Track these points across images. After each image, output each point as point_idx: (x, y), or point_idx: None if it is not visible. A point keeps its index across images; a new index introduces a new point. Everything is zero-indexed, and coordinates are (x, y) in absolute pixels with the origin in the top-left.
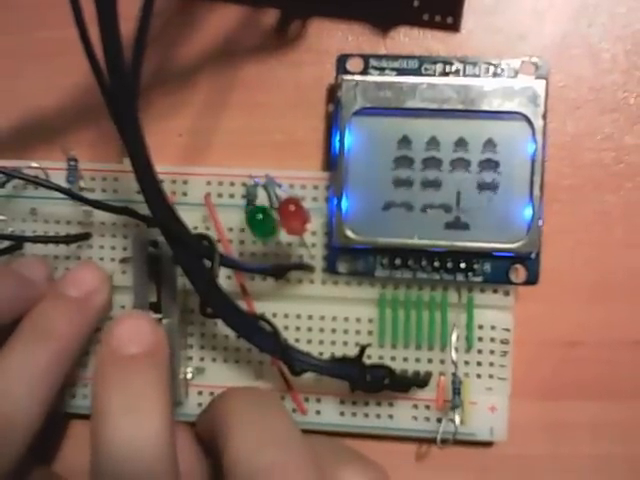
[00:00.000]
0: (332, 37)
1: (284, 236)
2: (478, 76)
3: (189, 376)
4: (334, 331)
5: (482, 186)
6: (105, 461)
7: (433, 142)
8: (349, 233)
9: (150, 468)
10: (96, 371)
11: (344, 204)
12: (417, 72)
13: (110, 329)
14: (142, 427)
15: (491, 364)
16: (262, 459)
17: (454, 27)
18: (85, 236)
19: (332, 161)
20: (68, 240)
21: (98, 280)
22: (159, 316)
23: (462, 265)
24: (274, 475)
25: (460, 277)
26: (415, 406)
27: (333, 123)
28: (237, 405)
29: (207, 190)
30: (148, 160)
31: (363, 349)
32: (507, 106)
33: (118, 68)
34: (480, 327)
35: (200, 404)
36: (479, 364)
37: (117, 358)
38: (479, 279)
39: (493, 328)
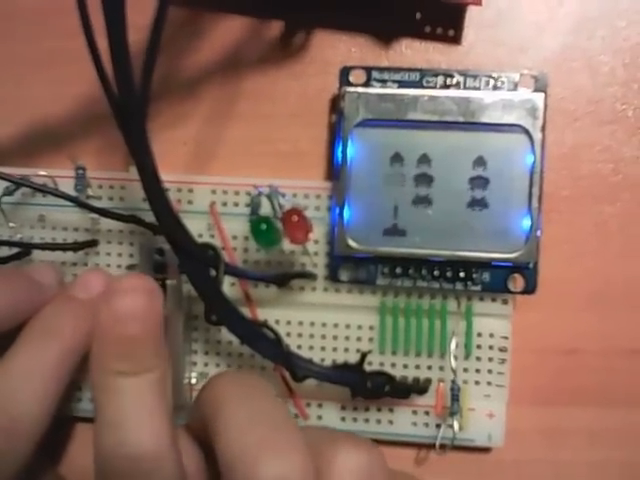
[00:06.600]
0: (335, 49)
1: (287, 245)
2: (478, 89)
3: (193, 381)
4: (335, 338)
5: (476, 201)
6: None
7: (430, 155)
8: (351, 242)
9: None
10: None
11: (346, 213)
12: (418, 84)
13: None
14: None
15: (489, 371)
16: (252, 436)
17: (455, 40)
18: (92, 243)
19: (335, 171)
20: (75, 247)
21: (106, 284)
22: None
23: (461, 274)
24: (264, 450)
25: (459, 286)
26: (415, 412)
27: (336, 134)
28: (224, 388)
29: (212, 199)
30: (155, 170)
31: (364, 356)
32: (506, 119)
33: (127, 81)
34: (479, 335)
35: None
36: (477, 371)
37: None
38: (478, 288)
39: (491, 336)
